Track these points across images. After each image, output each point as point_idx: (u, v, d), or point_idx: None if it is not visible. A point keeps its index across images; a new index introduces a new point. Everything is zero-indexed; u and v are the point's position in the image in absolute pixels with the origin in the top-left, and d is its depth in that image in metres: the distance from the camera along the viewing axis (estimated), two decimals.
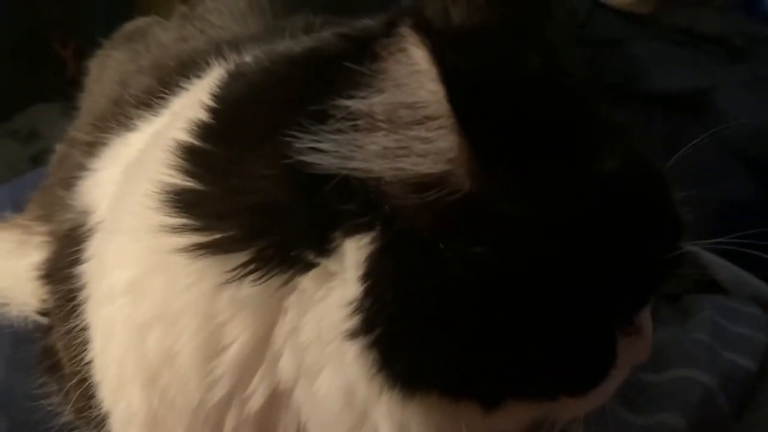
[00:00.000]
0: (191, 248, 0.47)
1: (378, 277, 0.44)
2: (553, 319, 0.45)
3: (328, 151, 0.43)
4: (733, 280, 0.86)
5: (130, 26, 0.90)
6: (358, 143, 0.43)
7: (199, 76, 0.60)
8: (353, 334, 0.44)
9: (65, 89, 1.63)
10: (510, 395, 0.46)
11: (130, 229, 0.51)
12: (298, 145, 0.44)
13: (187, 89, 0.60)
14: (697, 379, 0.68)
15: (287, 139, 0.44)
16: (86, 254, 0.58)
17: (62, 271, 0.62)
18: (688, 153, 1.15)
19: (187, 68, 0.62)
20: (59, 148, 0.86)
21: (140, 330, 0.50)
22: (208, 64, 0.60)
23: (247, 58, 0.54)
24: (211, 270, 0.47)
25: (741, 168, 1.11)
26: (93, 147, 0.67)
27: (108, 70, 0.84)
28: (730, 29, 1.28)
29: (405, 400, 0.45)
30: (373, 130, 0.43)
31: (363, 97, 0.43)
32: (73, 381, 0.58)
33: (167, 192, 0.49)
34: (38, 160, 1.56)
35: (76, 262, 0.59)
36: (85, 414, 0.59)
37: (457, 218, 0.43)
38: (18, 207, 0.91)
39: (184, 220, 0.48)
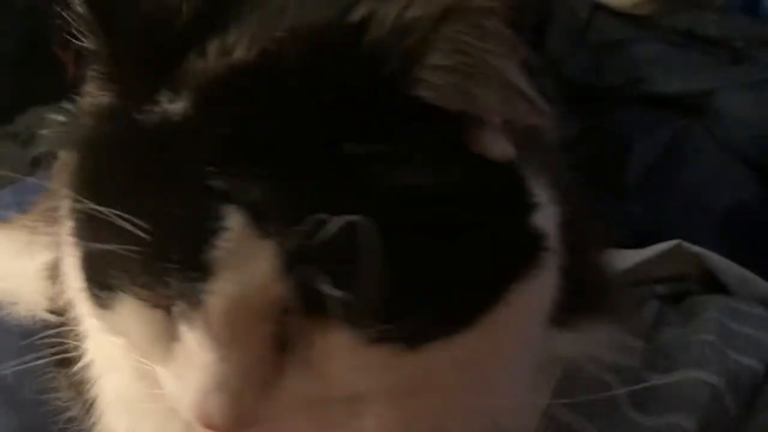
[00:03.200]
0: None
1: None
2: None
3: None
4: (738, 281, 0.86)
5: None
6: None
7: None
8: None
9: (66, 92, 1.63)
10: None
11: None
12: None
13: None
14: (705, 380, 0.68)
15: None
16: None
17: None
18: (691, 156, 1.16)
19: None
20: (63, 153, 0.86)
21: None
22: None
23: None
24: None
25: (744, 170, 1.11)
26: None
27: None
28: (731, 31, 1.28)
29: None
30: None
31: None
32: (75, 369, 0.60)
33: None
34: (39, 162, 1.57)
35: None
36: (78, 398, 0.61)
37: None
38: (22, 209, 0.91)
39: None
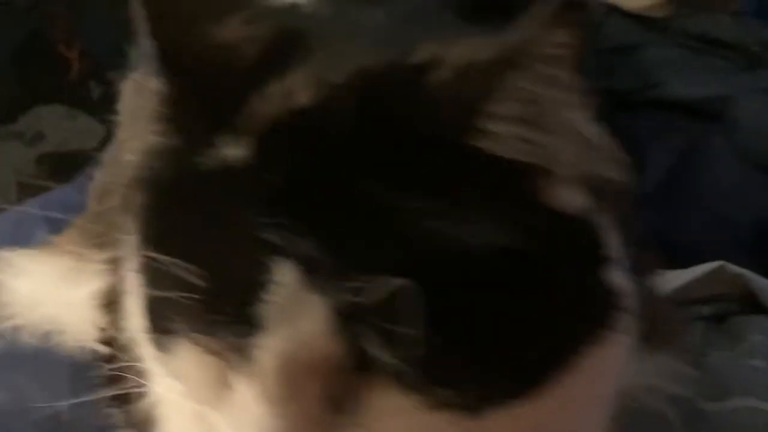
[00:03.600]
0: None
1: None
2: None
3: None
4: None
5: None
6: None
7: None
8: None
9: (70, 91, 1.62)
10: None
11: None
12: None
13: None
14: (761, 409, 0.68)
15: None
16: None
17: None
18: (708, 164, 1.15)
19: None
20: (100, 174, 0.85)
21: None
22: None
23: None
24: None
25: (765, 180, 1.10)
26: None
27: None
28: (745, 35, 1.28)
29: None
30: None
31: None
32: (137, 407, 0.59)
33: None
34: (44, 161, 1.55)
35: None
36: None
37: None
38: (54, 228, 0.90)
39: None
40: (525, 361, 0.44)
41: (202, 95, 0.46)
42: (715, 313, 0.85)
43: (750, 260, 0.92)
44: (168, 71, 0.47)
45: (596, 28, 1.36)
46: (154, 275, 0.46)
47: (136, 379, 0.59)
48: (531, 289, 0.44)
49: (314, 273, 0.41)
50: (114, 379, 0.67)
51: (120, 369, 0.61)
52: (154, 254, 0.44)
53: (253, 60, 0.46)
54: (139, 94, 0.87)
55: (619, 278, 0.49)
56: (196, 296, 0.43)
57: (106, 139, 1.41)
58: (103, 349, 0.70)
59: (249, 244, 0.41)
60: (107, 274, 0.71)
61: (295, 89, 0.45)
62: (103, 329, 0.71)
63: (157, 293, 0.45)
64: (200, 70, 0.46)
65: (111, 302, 0.70)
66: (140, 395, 0.59)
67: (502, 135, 0.42)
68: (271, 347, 0.42)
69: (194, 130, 0.46)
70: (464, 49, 0.43)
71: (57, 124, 1.50)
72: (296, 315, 0.41)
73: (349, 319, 0.41)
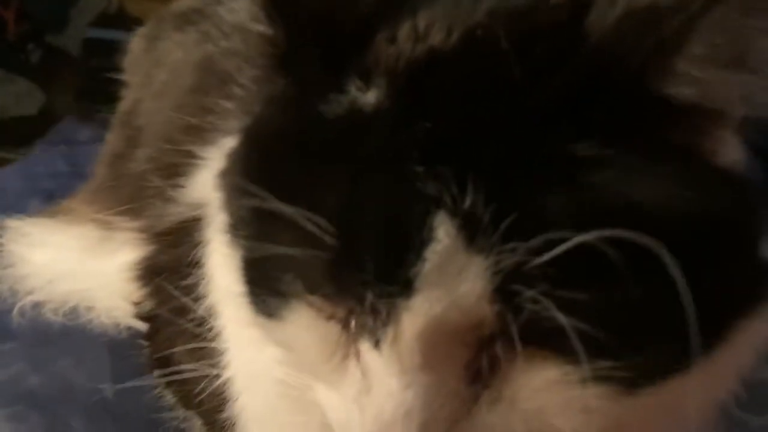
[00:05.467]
0: None
1: None
2: None
3: None
4: None
5: (180, 6, 0.82)
6: None
7: None
8: None
9: (7, 54, 1.51)
10: None
11: None
12: None
13: None
14: None
15: None
16: (207, 249, 0.52)
17: (177, 269, 0.57)
18: None
19: None
20: (112, 135, 0.79)
21: None
22: None
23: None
24: None
25: None
26: (203, 132, 0.61)
27: (171, 52, 0.76)
28: None
29: None
30: None
31: None
32: (201, 384, 0.53)
33: None
34: None
35: (194, 259, 0.54)
36: (215, 416, 0.54)
37: None
38: (35, 191, 0.83)
39: None
40: (690, 334, 0.42)
41: (322, 37, 0.42)
42: None
43: None
44: (282, 13, 0.43)
45: None
46: (267, 228, 0.40)
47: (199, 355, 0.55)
48: (697, 257, 0.40)
49: (476, 230, 0.36)
50: (158, 358, 0.62)
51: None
52: (279, 204, 0.39)
53: None
54: (153, 48, 0.83)
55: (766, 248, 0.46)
56: (325, 254, 0.38)
57: (47, 106, 1.34)
58: (142, 326, 0.65)
59: (398, 194, 0.37)
60: (142, 243, 0.66)
61: (430, 30, 0.41)
62: (138, 303, 0.66)
63: (271, 249, 0.40)
64: (318, 11, 0.42)
65: (149, 273, 0.65)
66: (203, 375, 0.54)
67: (699, 78, 0.37)
68: (419, 310, 0.37)
69: (313, 75, 0.41)
70: None
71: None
72: (453, 276, 0.36)
73: (516, 281, 0.36)
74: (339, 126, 0.40)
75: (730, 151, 0.42)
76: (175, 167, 0.62)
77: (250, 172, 0.43)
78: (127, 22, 1.14)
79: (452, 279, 0.36)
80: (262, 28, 0.44)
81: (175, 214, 0.61)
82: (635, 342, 0.38)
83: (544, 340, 0.37)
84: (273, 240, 0.39)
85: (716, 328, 0.41)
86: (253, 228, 0.42)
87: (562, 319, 0.36)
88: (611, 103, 0.37)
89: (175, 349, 0.56)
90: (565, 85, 0.38)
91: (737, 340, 0.42)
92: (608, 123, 0.37)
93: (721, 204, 0.40)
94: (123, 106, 0.80)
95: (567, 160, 0.37)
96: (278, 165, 0.42)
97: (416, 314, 0.37)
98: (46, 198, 0.84)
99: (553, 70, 0.38)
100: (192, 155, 0.60)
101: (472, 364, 0.39)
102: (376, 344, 0.38)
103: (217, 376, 0.53)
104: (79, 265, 0.69)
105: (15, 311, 0.69)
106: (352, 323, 0.39)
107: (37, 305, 0.68)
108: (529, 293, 0.36)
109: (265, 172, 0.42)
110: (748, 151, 0.44)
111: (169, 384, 0.60)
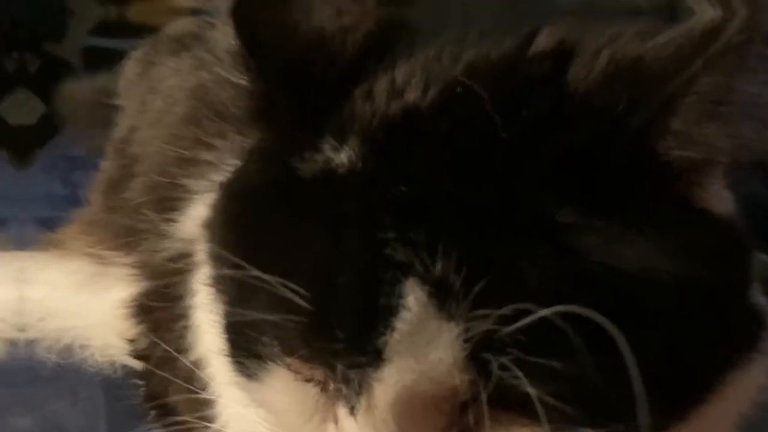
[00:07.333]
0: None
1: None
2: None
3: None
4: None
5: (176, 30, 0.80)
6: None
7: None
8: None
9: None
10: None
11: None
12: None
13: None
14: None
15: None
16: (195, 297, 0.51)
17: (168, 306, 0.56)
18: None
19: None
20: (106, 165, 0.77)
21: None
22: None
23: None
24: None
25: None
26: (196, 165, 0.59)
27: (166, 78, 0.75)
28: None
29: None
30: None
31: None
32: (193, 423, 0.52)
33: None
34: None
35: (183, 296, 0.53)
36: None
37: None
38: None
39: None
40: (675, 394, 0.39)
41: (298, 92, 0.40)
42: None
43: None
44: (258, 65, 0.41)
45: None
46: (244, 293, 0.39)
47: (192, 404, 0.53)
48: (683, 314, 0.39)
49: (446, 296, 0.35)
50: (152, 396, 0.61)
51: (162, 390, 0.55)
52: (252, 270, 0.38)
53: (353, 53, 0.41)
54: (146, 73, 0.81)
55: (756, 293, 0.43)
56: (300, 319, 0.36)
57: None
58: (137, 365, 0.64)
59: (370, 262, 0.36)
60: (136, 279, 0.64)
61: (406, 85, 0.39)
62: (133, 341, 0.65)
63: (249, 314, 0.39)
64: (295, 64, 0.40)
65: (143, 311, 0.64)
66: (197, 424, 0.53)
67: (696, 135, 0.36)
68: (391, 379, 0.36)
69: (289, 130, 0.40)
70: (624, 39, 0.38)
71: None
72: (424, 344, 0.35)
73: (487, 350, 0.35)
74: (314, 186, 0.39)
75: (719, 198, 0.41)
76: (169, 201, 0.60)
77: (227, 234, 0.42)
78: (128, 30, 1.14)
79: (423, 348, 0.36)
80: (241, 79, 0.42)
81: (168, 249, 0.59)
82: (602, 413, 0.36)
83: (514, 406, 0.36)
84: (249, 305, 0.39)
85: (707, 384, 0.40)
86: (230, 292, 0.42)
87: (529, 388, 0.35)
88: (598, 164, 0.36)
89: (170, 397, 0.55)
90: (549, 148, 0.37)
91: (730, 392, 0.41)
92: (594, 187, 0.36)
93: (712, 257, 0.39)
94: (118, 132, 0.78)
95: (546, 225, 0.36)
96: (255, 226, 0.41)
97: (387, 384, 0.36)
98: (42, 224, 0.82)
99: (537, 133, 0.37)
100: (186, 189, 0.58)
101: (447, 430, 0.38)
102: (351, 411, 0.37)
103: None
104: (73, 301, 0.68)
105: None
106: (330, 386, 0.38)
107: (30, 343, 0.67)
108: (500, 360, 0.35)
109: (242, 235, 0.41)
110: (735, 195, 0.43)
111: (164, 426, 0.58)
